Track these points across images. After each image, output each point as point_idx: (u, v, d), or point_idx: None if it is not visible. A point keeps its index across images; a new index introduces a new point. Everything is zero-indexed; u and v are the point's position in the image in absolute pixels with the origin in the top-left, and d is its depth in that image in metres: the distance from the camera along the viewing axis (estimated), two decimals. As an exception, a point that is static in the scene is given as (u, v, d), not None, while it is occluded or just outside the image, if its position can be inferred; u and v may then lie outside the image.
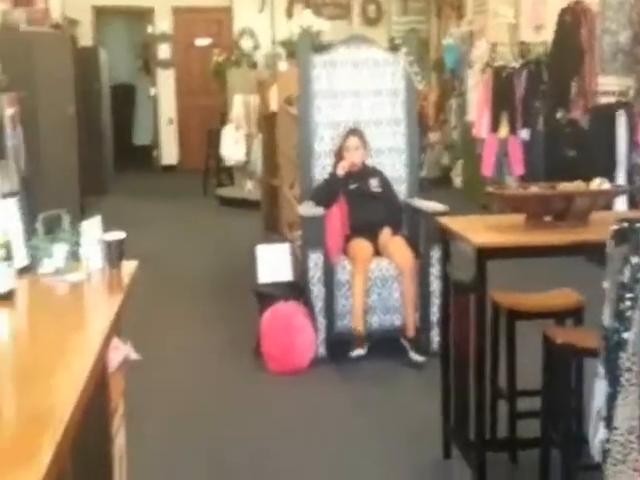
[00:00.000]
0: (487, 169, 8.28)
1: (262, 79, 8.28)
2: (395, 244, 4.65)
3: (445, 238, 3.32)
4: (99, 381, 2.17)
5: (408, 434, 3.64)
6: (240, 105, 9.23)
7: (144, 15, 12.48)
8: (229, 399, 4.12)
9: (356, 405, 4.02)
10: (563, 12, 7.22)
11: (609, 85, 6.73)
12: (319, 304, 4.51)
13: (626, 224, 2.19)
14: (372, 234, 4.67)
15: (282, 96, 6.46)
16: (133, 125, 13.90)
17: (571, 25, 7.11)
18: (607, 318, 2.21)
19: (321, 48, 5.16)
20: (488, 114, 8.31)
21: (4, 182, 6.10)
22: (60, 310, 2.33)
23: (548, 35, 7.67)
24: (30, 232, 2.58)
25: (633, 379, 2.17)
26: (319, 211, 4.61)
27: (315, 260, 4.49)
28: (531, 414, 3.22)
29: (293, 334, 4.41)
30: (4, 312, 2.25)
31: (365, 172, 4.84)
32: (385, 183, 4.87)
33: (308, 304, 4.52)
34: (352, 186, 4.77)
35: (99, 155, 10.21)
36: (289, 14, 11.48)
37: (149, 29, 12.52)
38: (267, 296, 4.62)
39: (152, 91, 12.73)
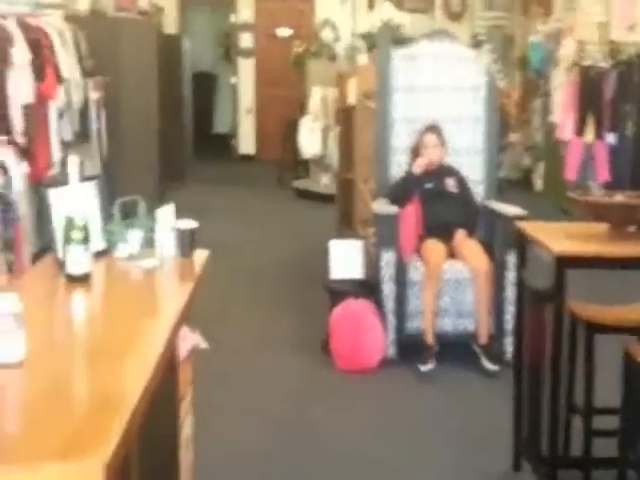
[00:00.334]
0: (571, 173, 8.03)
1: (341, 71, 8.23)
2: (470, 247, 4.54)
3: (522, 243, 3.23)
4: (168, 368, 2.18)
5: (478, 443, 3.57)
6: (318, 97, 9.20)
7: (227, 4, 12.58)
8: (297, 393, 4.13)
9: (425, 409, 3.96)
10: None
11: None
12: (390, 304, 4.44)
13: None
14: (447, 235, 4.57)
15: (361, 89, 6.39)
16: (213, 114, 14.04)
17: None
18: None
19: (401, 42, 5.06)
20: (573, 116, 8.04)
21: (86, 165, 6.20)
22: (133, 295, 2.38)
23: (641, 35, 7.42)
24: (107, 216, 2.60)
25: None
26: (393, 209, 4.53)
27: (387, 259, 4.42)
28: (607, 433, 3.10)
29: (362, 333, 4.36)
30: (80, 294, 2.31)
31: (442, 171, 4.73)
32: (462, 183, 4.75)
33: (379, 303, 4.45)
34: (428, 185, 4.66)
35: (179, 143, 10.30)
36: (370, 6, 11.37)
37: (232, 18, 12.62)
38: (338, 293, 4.58)
39: (233, 80, 12.82)
